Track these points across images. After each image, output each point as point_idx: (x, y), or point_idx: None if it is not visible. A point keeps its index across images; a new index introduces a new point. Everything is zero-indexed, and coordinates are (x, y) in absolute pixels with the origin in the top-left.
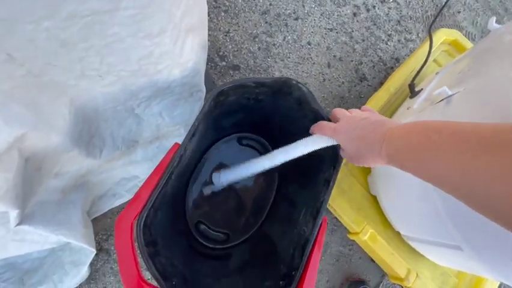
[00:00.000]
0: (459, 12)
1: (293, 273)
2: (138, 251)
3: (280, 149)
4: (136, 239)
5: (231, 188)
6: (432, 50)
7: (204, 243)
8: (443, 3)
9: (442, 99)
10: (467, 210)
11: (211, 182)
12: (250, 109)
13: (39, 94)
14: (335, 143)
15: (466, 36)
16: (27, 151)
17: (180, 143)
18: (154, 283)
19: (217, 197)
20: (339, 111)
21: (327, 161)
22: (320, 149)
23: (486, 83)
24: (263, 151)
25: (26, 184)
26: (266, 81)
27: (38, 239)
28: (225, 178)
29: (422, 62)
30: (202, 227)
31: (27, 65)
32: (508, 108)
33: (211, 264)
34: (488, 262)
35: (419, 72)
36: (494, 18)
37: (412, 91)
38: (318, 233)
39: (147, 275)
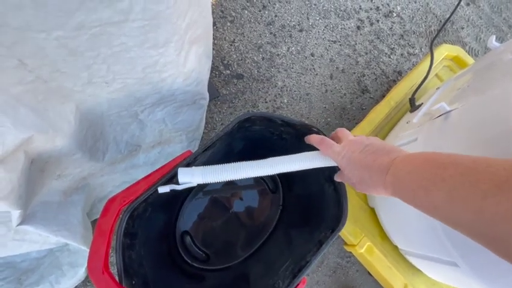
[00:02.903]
0: (462, 28)
1: None
2: (115, 238)
3: (275, 158)
4: (117, 225)
5: (232, 212)
6: (434, 65)
7: (184, 256)
8: (446, 19)
9: (441, 115)
10: None
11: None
12: (272, 143)
13: (46, 99)
14: (333, 164)
15: (469, 52)
16: (33, 153)
17: (183, 149)
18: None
19: (215, 216)
20: (343, 132)
21: (328, 219)
22: (325, 204)
23: (484, 101)
24: (271, 183)
25: (29, 185)
26: (292, 122)
27: (37, 239)
28: (197, 175)
29: (423, 77)
30: (188, 239)
31: (36, 71)
32: (504, 127)
33: (181, 279)
34: (484, 279)
35: (419, 86)
36: (494, 37)
37: (412, 105)
38: None
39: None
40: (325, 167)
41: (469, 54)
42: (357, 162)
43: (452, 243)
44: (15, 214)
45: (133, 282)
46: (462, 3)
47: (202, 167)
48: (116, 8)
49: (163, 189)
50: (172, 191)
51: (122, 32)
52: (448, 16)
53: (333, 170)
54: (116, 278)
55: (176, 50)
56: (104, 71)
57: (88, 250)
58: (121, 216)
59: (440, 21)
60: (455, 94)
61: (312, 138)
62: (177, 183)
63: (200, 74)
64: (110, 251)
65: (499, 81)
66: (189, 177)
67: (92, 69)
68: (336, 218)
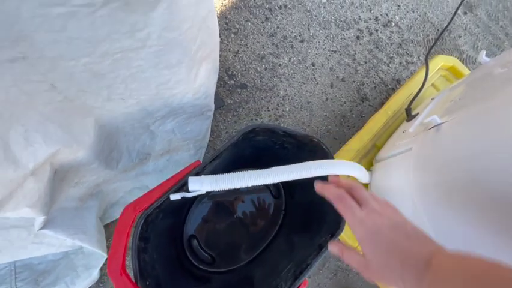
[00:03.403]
0: (460, 36)
1: None
2: (130, 241)
3: (279, 168)
4: (133, 229)
5: (236, 216)
6: (431, 75)
7: (191, 259)
8: (442, 29)
9: (433, 126)
10: (451, 231)
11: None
12: (274, 152)
13: (71, 115)
14: (331, 173)
15: (466, 59)
16: (57, 164)
17: (190, 157)
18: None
19: (220, 220)
20: (361, 193)
21: (328, 224)
22: (325, 210)
23: (472, 115)
24: (274, 190)
25: (52, 193)
26: (293, 133)
27: (54, 243)
28: (206, 184)
29: (419, 87)
30: (195, 243)
31: (64, 92)
32: (489, 143)
33: (189, 281)
34: None
35: (415, 97)
36: (484, 52)
37: (409, 115)
38: None
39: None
40: (324, 176)
41: (466, 62)
42: (387, 243)
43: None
44: (40, 220)
45: (147, 283)
46: (459, 12)
47: (210, 176)
48: (135, 37)
49: (174, 197)
50: (183, 198)
51: (139, 56)
52: (445, 25)
53: None
54: (132, 279)
55: (187, 69)
56: (122, 89)
57: (101, 252)
58: (136, 221)
59: (438, 30)
60: (447, 106)
61: (328, 190)
62: (187, 191)
63: (208, 88)
64: (127, 254)
65: (488, 95)
66: (199, 186)
67: (112, 88)
68: (336, 223)
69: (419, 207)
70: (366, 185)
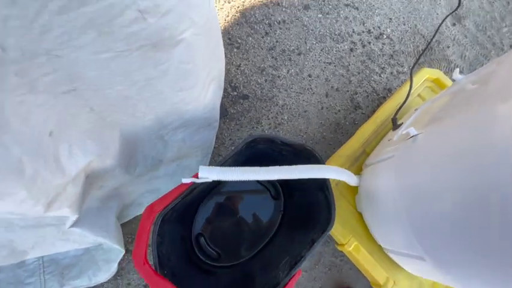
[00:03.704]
0: (448, 47)
1: None
2: (150, 237)
3: (276, 167)
4: (153, 226)
5: (239, 216)
6: (417, 87)
7: (199, 255)
8: (428, 42)
9: (411, 137)
10: (428, 227)
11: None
12: (273, 159)
13: (102, 131)
14: (326, 176)
15: (454, 69)
16: (89, 171)
17: (198, 163)
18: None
19: (225, 220)
20: None
21: (320, 222)
22: (318, 209)
23: (439, 129)
24: (273, 191)
25: (83, 195)
26: (290, 143)
27: (78, 240)
28: (214, 173)
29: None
30: (202, 240)
31: (100, 113)
32: (455, 158)
33: (198, 273)
34: (443, 269)
35: (400, 108)
36: (457, 70)
37: (394, 124)
38: (288, 281)
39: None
40: (318, 179)
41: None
42: None
43: (418, 240)
44: (73, 218)
45: (165, 272)
46: (448, 23)
47: (218, 167)
48: (158, 69)
49: (186, 180)
50: (191, 198)
51: (160, 82)
52: (433, 37)
53: (324, 181)
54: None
55: (198, 90)
56: (144, 108)
57: (120, 248)
58: (155, 219)
59: (427, 41)
60: (428, 118)
61: None
62: (197, 178)
63: (215, 103)
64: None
65: (457, 111)
66: (207, 174)
67: (136, 107)
68: (327, 220)
69: (399, 206)
70: (355, 188)
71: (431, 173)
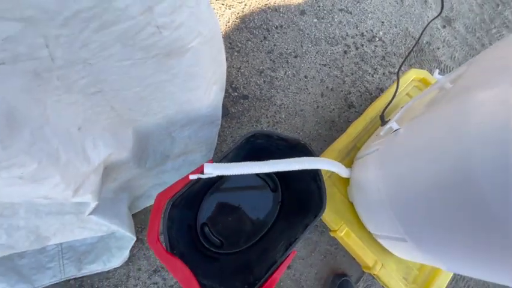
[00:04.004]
0: (438, 48)
1: (256, 282)
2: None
3: (271, 160)
4: (164, 212)
5: (241, 208)
6: (405, 86)
7: (203, 242)
8: (415, 42)
9: (394, 131)
10: (407, 210)
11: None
12: (271, 152)
13: (120, 127)
14: (318, 167)
15: (444, 69)
16: (107, 163)
17: (202, 157)
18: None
19: (227, 211)
20: None
21: (313, 208)
22: (311, 197)
23: (418, 123)
24: (272, 184)
25: (101, 185)
26: (286, 138)
27: (93, 228)
28: (217, 169)
29: (395, 97)
30: (206, 229)
31: (118, 111)
32: (430, 146)
33: (202, 258)
34: (421, 248)
35: (387, 106)
36: (437, 71)
37: (382, 121)
38: (284, 260)
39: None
40: (311, 170)
41: (444, 72)
42: None
43: (400, 222)
44: (93, 205)
45: (174, 251)
46: (438, 25)
47: (220, 163)
48: (169, 73)
49: (193, 176)
50: (197, 187)
51: (171, 84)
52: (423, 38)
53: (316, 172)
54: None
55: (203, 91)
56: (156, 107)
57: (132, 236)
58: (166, 205)
59: (418, 43)
60: (409, 114)
61: None
62: (202, 173)
63: (217, 102)
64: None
65: (434, 107)
66: (211, 170)
67: (150, 106)
68: (319, 206)
69: (382, 193)
70: (347, 180)
71: (409, 162)
